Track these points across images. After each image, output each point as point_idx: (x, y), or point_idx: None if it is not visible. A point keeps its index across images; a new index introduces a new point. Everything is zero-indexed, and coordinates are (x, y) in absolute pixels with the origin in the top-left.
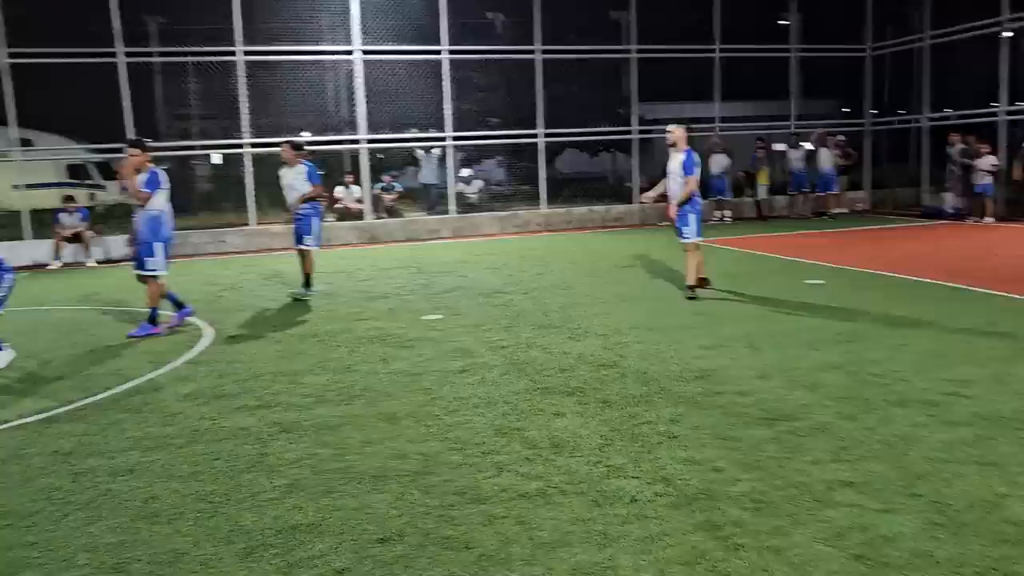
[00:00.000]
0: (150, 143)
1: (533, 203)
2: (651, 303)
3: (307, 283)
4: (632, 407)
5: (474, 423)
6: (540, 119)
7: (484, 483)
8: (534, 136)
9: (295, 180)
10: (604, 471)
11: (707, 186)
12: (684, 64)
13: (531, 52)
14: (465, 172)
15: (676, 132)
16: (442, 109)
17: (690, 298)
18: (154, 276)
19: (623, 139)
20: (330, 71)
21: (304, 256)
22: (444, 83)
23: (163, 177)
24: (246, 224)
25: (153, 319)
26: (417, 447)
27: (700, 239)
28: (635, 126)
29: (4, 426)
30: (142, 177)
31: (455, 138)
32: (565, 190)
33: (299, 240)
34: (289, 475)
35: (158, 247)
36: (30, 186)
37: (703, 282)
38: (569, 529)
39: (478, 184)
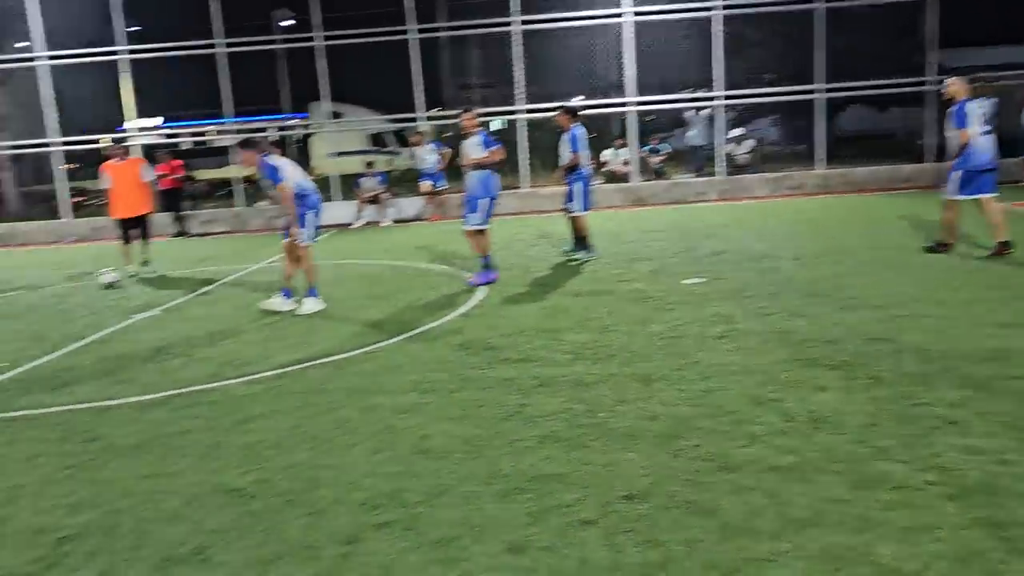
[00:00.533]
0: (440, 112)
1: (809, 164)
2: (938, 273)
3: (579, 245)
4: (906, 386)
5: (728, 390)
6: (819, 73)
7: (734, 452)
8: (811, 92)
9: (563, 146)
10: (867, 452)
11: (1020, 142)
12: (997, 1)
13: (812, 1)
14: (736, 132)
15: (954, 85)
16: (711, 68)
17: (927, 248)
18: (477, 230)
19: (917, 91)
20: (600, 35)
21: (572, 219)
22: (715, 40)
23: (491, 137)
24: (518, 187)
25: (487, 265)
26: (668, 410)
27: (983, 197)
28: (931, 76)
29: (312, 363)
30: (476, 139)
31: (726, 97)
32: (846, 149)
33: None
34: (545, 427)
35: (483, 203)
36: (341, 153)
37: (1003, 247)
38: (822, 508)
39: (749, 144)
